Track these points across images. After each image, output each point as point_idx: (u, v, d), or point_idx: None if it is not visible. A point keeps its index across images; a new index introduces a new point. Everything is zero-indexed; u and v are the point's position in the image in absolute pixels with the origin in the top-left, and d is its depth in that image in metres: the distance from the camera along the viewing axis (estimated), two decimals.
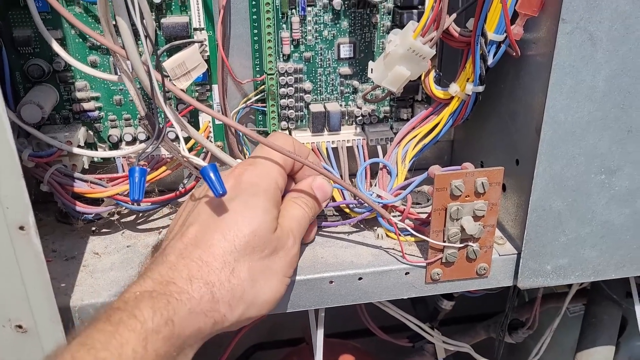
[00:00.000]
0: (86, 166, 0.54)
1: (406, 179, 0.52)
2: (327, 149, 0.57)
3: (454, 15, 0.47)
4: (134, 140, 0.55)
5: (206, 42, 0.52)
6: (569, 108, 0.45)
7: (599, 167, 0.47)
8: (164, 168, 0.53)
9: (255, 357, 0.91)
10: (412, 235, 0.50)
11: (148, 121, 0.45)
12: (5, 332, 0.41)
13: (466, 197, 0.46)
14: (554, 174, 0.47)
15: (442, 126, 0.52)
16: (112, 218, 0.56)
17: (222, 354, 0.60)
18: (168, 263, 0.40)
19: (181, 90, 0.50)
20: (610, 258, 0.51)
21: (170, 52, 0.52)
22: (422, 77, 0.51)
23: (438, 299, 0.73)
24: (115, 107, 0.55)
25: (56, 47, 0.49)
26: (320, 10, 0.54)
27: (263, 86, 0.55)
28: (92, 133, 0.55)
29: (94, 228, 0.55)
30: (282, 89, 0.56)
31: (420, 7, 0.53)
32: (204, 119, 0.56)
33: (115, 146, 0.56)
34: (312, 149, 0.56)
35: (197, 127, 0.56)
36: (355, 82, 0.57)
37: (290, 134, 0.58)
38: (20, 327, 0.41)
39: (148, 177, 0.51)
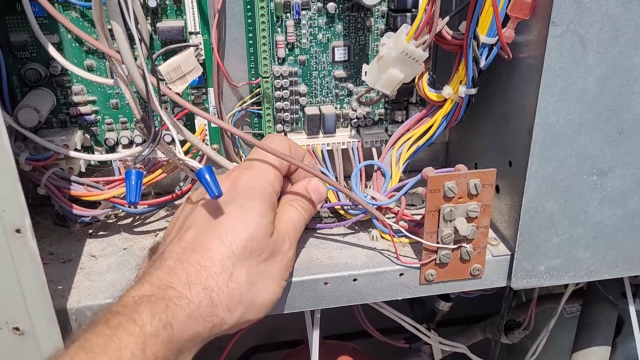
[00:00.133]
0: (83, 169, 0.54)
1: (401, 180, 0.52)
2: (322, 151, 0.57)
3: (447, 19, 0.47)
4: (130, 144, 0.56)
5: (201, 46, 0.53)
6: (560, 110, 0.45)
7: (590, 169, 0.48)
8: (160, 171, 0.54)
9: (255, 358, 0.92)
10: (406, 236, 0.50)
11: (144, 124, 0.46)
12: (3, 335, 0.41)
13: (459, 198, 0.47)
14: (547, 175, 0.47)
15: (435, 128, 0.52)
16: (109, 221, 0.56)
17: (220, 355, 0.60)
18: (166, 267, 0.40)
19: (177, 93, 0.51)
20: (603, 258, 0.52)
21: (166, 55, 0.52)
22: (416, 80, 0.52)
23: (435, 300, 0.73)
24: (112, 111, 0.55)
25: (53, 51, 0.49)
26: (314, 13, 0.54)
27: (258, 89, 0.56)
28: (88, 136, 0.56)
29: (90, 231, 0.55)
30: (278, 92, 0.56)
31: (414, 10, 0.54)
32: (199, 122, 0.56)
33: (111, 149, 0.56)
34: (308, 151, 0.56)
35: (193, 130, 0.56)
36: (350, 85, 0.58)
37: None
38: (17, 329, 0.41)
39: (144, 180, 0.52)
